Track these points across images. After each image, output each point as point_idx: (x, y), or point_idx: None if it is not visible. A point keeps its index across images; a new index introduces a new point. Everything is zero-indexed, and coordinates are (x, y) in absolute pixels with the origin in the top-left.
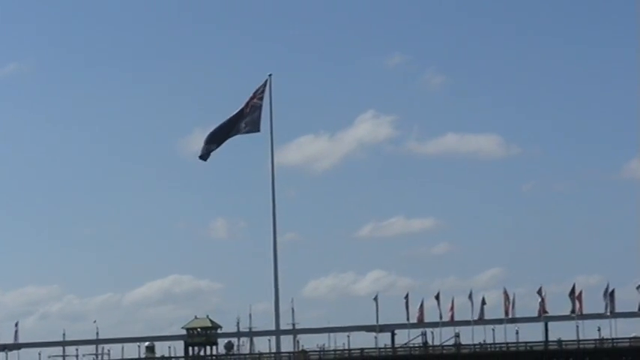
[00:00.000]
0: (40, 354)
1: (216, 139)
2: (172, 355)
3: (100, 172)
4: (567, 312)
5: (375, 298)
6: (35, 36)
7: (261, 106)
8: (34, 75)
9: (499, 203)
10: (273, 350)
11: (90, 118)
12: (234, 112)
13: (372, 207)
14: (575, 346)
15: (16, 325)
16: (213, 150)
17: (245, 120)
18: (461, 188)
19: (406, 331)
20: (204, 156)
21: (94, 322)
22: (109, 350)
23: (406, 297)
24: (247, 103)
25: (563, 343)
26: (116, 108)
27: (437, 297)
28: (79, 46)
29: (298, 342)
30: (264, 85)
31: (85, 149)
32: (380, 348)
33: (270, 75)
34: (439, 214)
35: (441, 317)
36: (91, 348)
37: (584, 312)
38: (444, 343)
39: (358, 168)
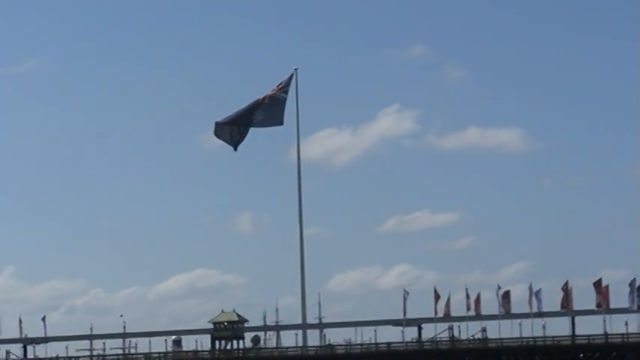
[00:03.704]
0: (67, 348)
1: (235, 121)
2: (199, 349)
3: (125, 165)
4: (594, 306)
5: (405, 295)
6: (56, 32)
7: (285, 99)
8: (56, 71)
9: (523, 197)
10: (300, 344)
11: (113, 113)
12: (252, 101)
13: (396, 201)
14: (603, 341)
15: (44, 319)
16: (235, 133)
17: (264, 112)
18: (484, 182)
19: (433, 325)
20: (228, 139)
21: (121, 316)
22: (136, 344)
23: (435, 292)
24: (266, 95)
25: (591, 337)
26: (140, 102)
27: (468, 294)
28: (101, 41)
29: (325, 336)
30: (290, 78)
31: (110, 143)
32: (407, 342)
33: (296, 69)
34: (464, 209)
35: (468, 310)
36: (118, 342)
37: (611, 306)
38: (471, 337)
39: (380, 162)
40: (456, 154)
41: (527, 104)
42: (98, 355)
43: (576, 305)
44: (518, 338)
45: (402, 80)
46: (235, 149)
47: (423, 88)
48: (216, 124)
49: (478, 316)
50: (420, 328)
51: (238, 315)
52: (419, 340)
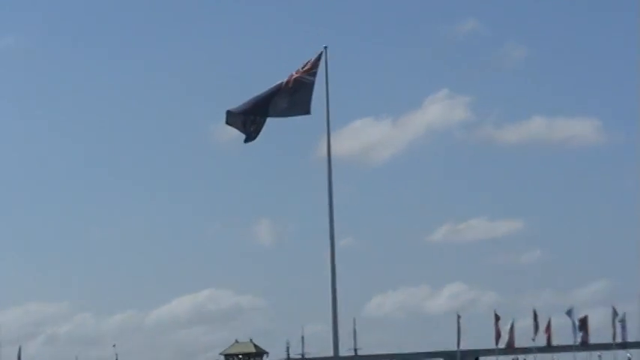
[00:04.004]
0: None
1: (251, 110)
2: None
3: (118, 165)
4: None
5: (459, 321)
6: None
7: (313, 83)
8: (39, 52)
9: (602, 200)
10: None
11: (114, 104)
12: (273, 85)
13: (446, 206)
14: None
15: (19, 350)
16: (249, 124)
17: (288, 98)
18: (553, 183)
19: (493, 358)
20: (242, 129)
21: (114, 346)
22: None
23: (496, 317)
24: (290, 77)
25: None
26: (146, 91)
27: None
28: (111, 26)
29: None
30: (318, 59)
31: (101, 141)
32: None
33: (325, 47)
34: (529, 215)
35: (535, 337)
36: None
37: None
38: None
39: (427, 158)
40: (519, 148)
41: (604, 89)
42: None
43: None
44: None
45: (453, 61)
46: (246, 141)
47: (477, 70)
48: (228, 112)
49: (549, 347)
50: None
51: (256, 346)
52: None
